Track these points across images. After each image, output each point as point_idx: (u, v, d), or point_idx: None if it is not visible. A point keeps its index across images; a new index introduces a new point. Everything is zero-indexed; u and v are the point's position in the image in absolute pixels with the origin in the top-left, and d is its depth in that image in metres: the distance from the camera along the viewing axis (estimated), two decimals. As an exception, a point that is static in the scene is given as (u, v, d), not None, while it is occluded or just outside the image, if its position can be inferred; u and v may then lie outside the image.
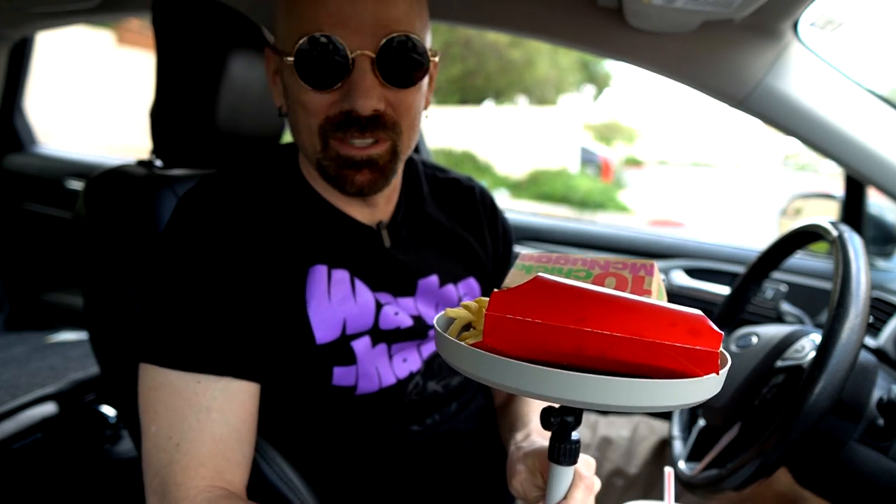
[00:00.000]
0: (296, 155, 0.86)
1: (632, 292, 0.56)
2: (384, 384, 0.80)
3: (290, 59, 0.70)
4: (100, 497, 1.48)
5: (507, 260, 1.03)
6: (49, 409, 1.46)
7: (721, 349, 0.46)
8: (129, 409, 0.86)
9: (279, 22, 0.75)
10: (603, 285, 0.58)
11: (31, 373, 1.56)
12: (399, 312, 0.83)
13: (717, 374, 0.46)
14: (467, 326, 0.57)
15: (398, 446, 0.82)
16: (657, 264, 0.58)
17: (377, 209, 0.85)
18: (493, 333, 0.45)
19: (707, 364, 0.45)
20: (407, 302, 0.85)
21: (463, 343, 0.47)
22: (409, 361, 0.83)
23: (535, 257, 0.63)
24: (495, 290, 0.49)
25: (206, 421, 0.67)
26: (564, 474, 0.55)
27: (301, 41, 0.68)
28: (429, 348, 0.86)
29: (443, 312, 0.57)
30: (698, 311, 0.47)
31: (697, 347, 0.44)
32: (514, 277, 0.61)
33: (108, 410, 1.56)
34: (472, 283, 0.93)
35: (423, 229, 0.90)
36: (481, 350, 0.46)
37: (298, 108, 0.74)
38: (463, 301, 0.92)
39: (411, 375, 0.83)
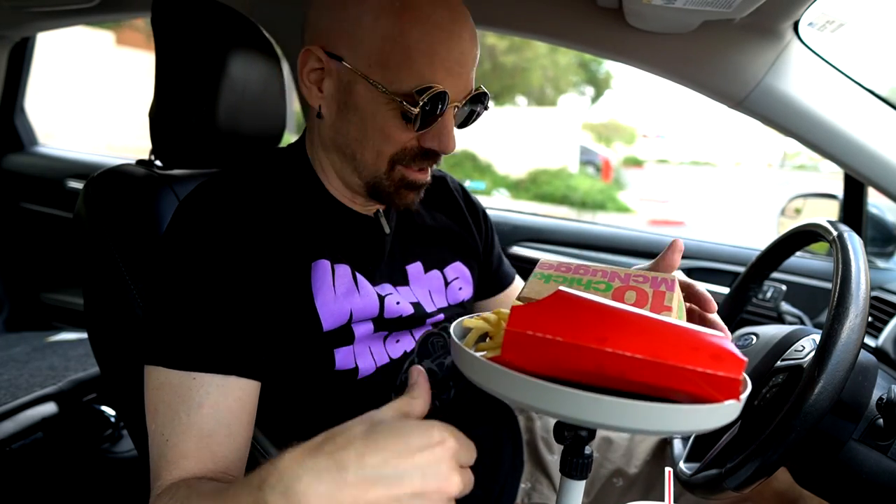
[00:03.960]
0: (303, 153, 0.86)
1: (652, 308, 0.56)
2: (379, 363, 0.82)
3: (405, 102, 0.71)
4: (100, 497, 1.48)
5: (492, 237, 1.08)
6: (49, 408, 1.46)
7: (744, 374, 0.46)
8: (129, 409, 0.86)
9: (366, 43, 0.72)
10: (623, 299, 0.57)
11: (31, 373, 1.56)
12: (401, 301, 0.85)
13: (738, 400, 0.45)
14: (483, 336, 0.56)
15: None
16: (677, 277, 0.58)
17: (375, 203, 0.87)
18: (511, 349, 0.45)
19: (728, 390, 0.44)
20: (405, 290, 0.87)
21: (479, 356, 0.47)
22: (401, 342, 0.85)
23: (554, 266, 0.63)
24: (515, 302, 0.48)
25: (196, 416, 0.67)
26: (576, 488, 0.54)
27: (426, 93, 0.71)
28: (420, 330, 0.88)
29: (459, 321, 0.57)
30: (721, 334, 0.46)
31: (720, 373, 0.44)
32: (534, 287, 0.60)
33: (108, 410, 1.57)
34: (459, 266, 0.97)
35: (405, 220, 0.94)
36: (498, 365, 0.45)
37: (375, 133, 0.76)
38: (459, 287, 0.95)
39: (405, 354, 0.85)
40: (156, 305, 0.73)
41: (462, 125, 0.82)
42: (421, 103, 0.71)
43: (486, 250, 1.05)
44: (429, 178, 0.81)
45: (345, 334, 0.79)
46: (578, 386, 0.43)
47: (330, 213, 0.83)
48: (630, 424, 0.43)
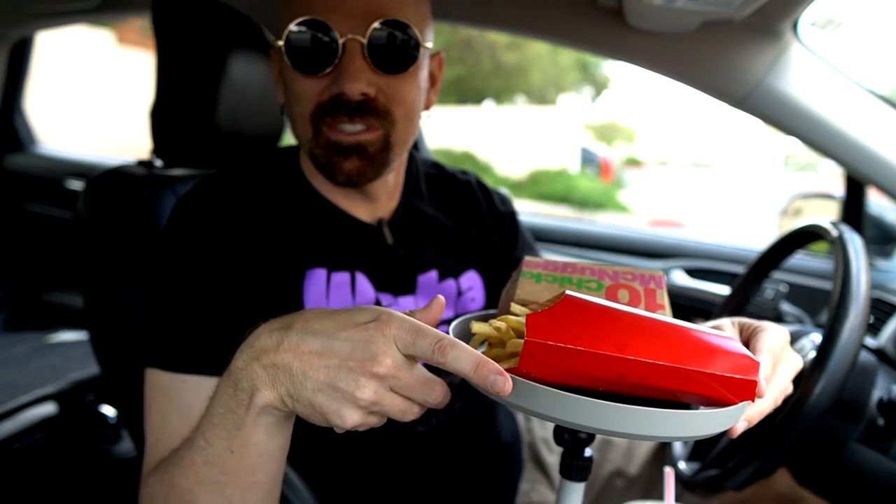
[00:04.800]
0: (297, 155, 0.86)
1: (646, 307, 0.57)
2: None
3: (281, 43, 0.71)
4: (100, 497, 1.48)
5: (516, 238, 1.02)
6: (49, 409, 1.46)
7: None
8: (129, 409, 0.86)
9: (279, 16, 0.76)
10: (616, 298, 0.57)
11: (31, 373, 1.56)
12: None
13: (753, 401, 0.46)
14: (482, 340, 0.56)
15: (403, 447, 0.82)
16: (657, 264, 0.59)
17: (379, 205, 0.85)
18: (530, 359, 0.43)
19: (744, 392, 0.45)
20: (407, 301, 0.84)
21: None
22: None
23: (540, 264, 0.62)
24: (529, 312, 0.47)
25: (186, 418, 0.67)
26: (576, 490, 0.54)
27: (291, 26, 0.70)
28: None
29: (461, 321, 0.56)
30: (730, 336, 0.47)
31: (737, 376, 0.45)
32: (526, 288, 0.59)
33: (108, 410, 1.56)
34: (473, 276, 0.92)
35: (422, 225, 0.90)
36: (519, 377, 0.44)
37: (293, 97, 0.75)
38: (472, 299, 0.92)
39: None
40: (152, 308, 0.73)
41: (389, 67, 0.73)
42: (286, 37, 0.70)
43: (507, 253, 1.00)
44: (361, 139, 0.74)
45: None
46: (591, 394, 0.42)
47: (328, 221, 0.82)
48: (658, 432, 0.43)
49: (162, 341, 0.70)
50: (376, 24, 0.70)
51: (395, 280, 0.84)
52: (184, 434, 0.65)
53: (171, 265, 0.73)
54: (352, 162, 0.75)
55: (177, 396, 0.68)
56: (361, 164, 0.75)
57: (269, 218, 0.78)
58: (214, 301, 0.71)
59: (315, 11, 0.70)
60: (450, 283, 0.89)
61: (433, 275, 0.88)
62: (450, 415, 0.86)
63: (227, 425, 0.51)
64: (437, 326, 0.84)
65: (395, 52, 0.72)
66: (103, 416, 1.55)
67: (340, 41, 0.70)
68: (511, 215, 1.03)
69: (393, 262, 0.84)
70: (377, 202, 0.85)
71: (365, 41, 0.70)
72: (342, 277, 0.79)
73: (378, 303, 0.81)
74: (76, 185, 2.10)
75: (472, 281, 0.92)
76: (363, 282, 0.80)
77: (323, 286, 0.77)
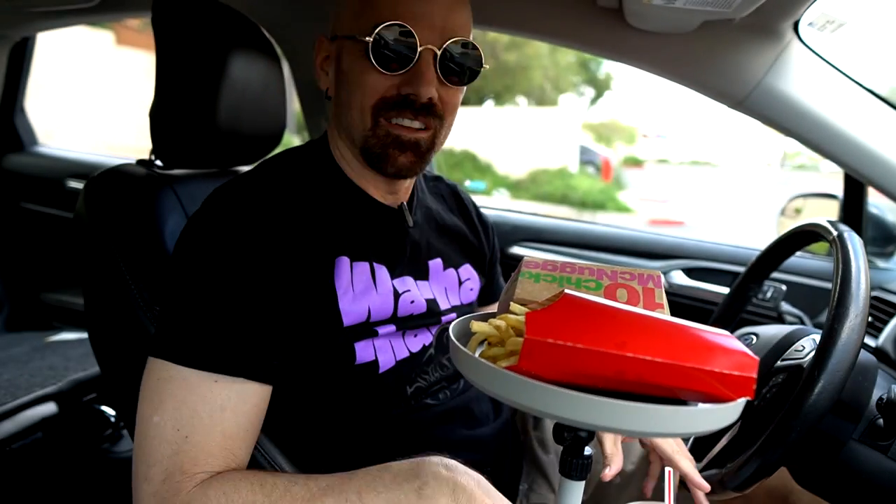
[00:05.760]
0: (325, 147, 0.87)
1: (645, 305, 0.57)
2: (399, 357, 0.83)
3: (368, 38, 0.75)
4: (100, 497, 1.48)
5: (496, 253, 1.11)
6: (49, 408, 1.46)
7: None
8: (129, 409, 0.85)
9: (348, 10, 0.80)
10: (615, 297, 0.58)
11: (31, 373, 1.56)
12: (415, 300, 0.85)
13: (752, 398, 0.46)
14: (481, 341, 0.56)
15: (402, 436, 0.83)
16: (657, 264, 0.59)
17: (399, 196, 0.89)
18: (530, 357, 0.44)
19: (743, 388, 0.45)
20: (424, 285, 0.89)
21: (497, 366, 0.46)
22: (419, 337, 0.87)
23: (539, 264, 0.63)
24: (515, 306, 0.47)
25: (218, 418, 0.67)
26: (576, 489, 0.54)
27: (382, 26, 0.75)
28: (435, 326, 0.90)
29: (461, 321, 0.56)
30: (728, 334, 0.47)
31: (735, 373, 0.45)
32: (525, 287, 0.60)
33: (108, 410, 1.57)
34: (469, 268, 0.99)
35: (428, 216, 0.95)
36: (520, 375, 0.44)
37: (355, 88, 0.79)
38: (470, 288, 0.96)
39: (424, 348, 0.87)
40: (174, 300, 0.71)
41: (453, 79, 0.80)
42: (375, 35, 0.75)
43: (491, 263, 1.08)
44: (418, 136, 0.80)
45: (364, 330, 0.80)
46: (591, 391, 0.43)
47: (354, 206, 0.84)
48: (660, 429, 0.43)
49: (193, 339, 0.68)
50: (451, 42, 0.77)
51: (413, 263, 0.88)
52: (217, 434, 0.66)
53: (205, 263, 0.72)
54: (406, 157, 0.80)
55: (208, 395, 0.67)
56: (414, 160, 0.81)
57: (298, 212, 0.78)
58: (250, 302, 0.71)
59: (402, 17, 0.75)
60: (451, 272, 0.95)
61: (439, 262, 0.93)
62: (454, 393, 0.89)
63: None
64: (443, 315, 0.89)
65: (462, 69, 0.80)
66: (103, 416, 1.55)
67: (419, 49, 0.76)
68: (492, 227, 1.11)
69: (411, 245, 0.89)
70: (398, 193, 0.88)
71: (439, 53, 0.77)
72: (362, 266, 0.81)
73: (395, 290, 0.83)
74: (76, 185, 2.10)
75: (469, 273, 0.98)
76: (381, 271, 0.83)
77: (349, 273, 0.80)
